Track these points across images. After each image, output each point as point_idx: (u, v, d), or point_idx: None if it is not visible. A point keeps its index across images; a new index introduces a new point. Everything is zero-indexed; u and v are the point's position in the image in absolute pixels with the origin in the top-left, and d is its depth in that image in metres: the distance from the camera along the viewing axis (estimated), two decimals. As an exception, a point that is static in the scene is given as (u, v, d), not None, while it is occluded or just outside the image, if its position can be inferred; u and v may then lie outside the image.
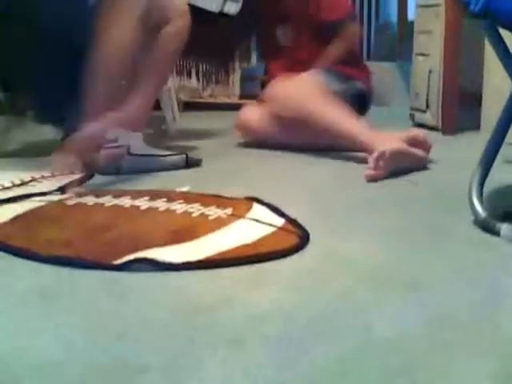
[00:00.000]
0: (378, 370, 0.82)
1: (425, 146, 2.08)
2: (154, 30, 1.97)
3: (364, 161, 2.01)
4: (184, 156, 1.99)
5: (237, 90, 3.41)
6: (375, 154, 1.89)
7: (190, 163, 2.00)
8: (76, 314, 0.99)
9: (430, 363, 0.83)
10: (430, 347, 0.87)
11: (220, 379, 0.80)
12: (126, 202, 1.55)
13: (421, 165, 2.02)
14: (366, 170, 1.88)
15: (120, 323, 0.95)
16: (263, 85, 2.90)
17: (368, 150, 1.97)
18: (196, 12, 2.13)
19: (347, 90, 2.41)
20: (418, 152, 2.03)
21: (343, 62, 2.50)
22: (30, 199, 1.59)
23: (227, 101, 3.36)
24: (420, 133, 2.15)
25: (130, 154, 1.93)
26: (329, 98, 2.23)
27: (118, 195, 1.60)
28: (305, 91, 2.26)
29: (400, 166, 1.93)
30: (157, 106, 2.63)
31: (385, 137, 2.04)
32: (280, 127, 2.37)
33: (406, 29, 3.98)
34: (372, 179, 1.86)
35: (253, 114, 2.49)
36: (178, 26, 1.99)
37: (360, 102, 2.46)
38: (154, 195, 1.59)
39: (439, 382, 0.79)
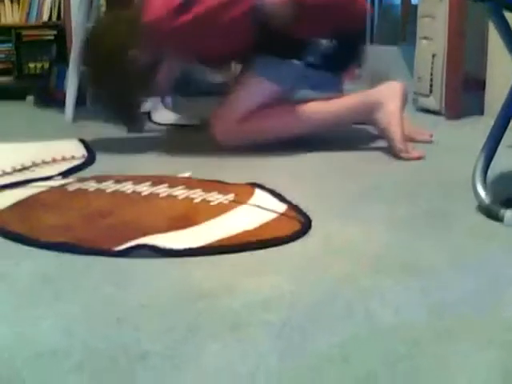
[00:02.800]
0: (379, 357, 0.81)
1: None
2: None
3: (365, 148, 2.00)
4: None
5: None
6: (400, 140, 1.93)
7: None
8: (76, 300, 0.99)
9: (432, 350, 0.83)
10: (432, 334, 0.87)
11: (220, 366, 0.80)
12: (127, 187, 1.54)
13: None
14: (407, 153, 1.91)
15: (120, 309, 0.95)
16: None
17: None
18: None
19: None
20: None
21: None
22: (30, 185, 1.59)
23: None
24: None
25: (151, 121, 2.13)
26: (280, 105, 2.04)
27: (119, 180, 1.59)
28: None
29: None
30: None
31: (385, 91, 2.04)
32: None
33: (410, 12, 3.95)
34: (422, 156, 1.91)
35: None
36: None
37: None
38: (156, 181, 1.59)
39: (440, 370, 0.79)
